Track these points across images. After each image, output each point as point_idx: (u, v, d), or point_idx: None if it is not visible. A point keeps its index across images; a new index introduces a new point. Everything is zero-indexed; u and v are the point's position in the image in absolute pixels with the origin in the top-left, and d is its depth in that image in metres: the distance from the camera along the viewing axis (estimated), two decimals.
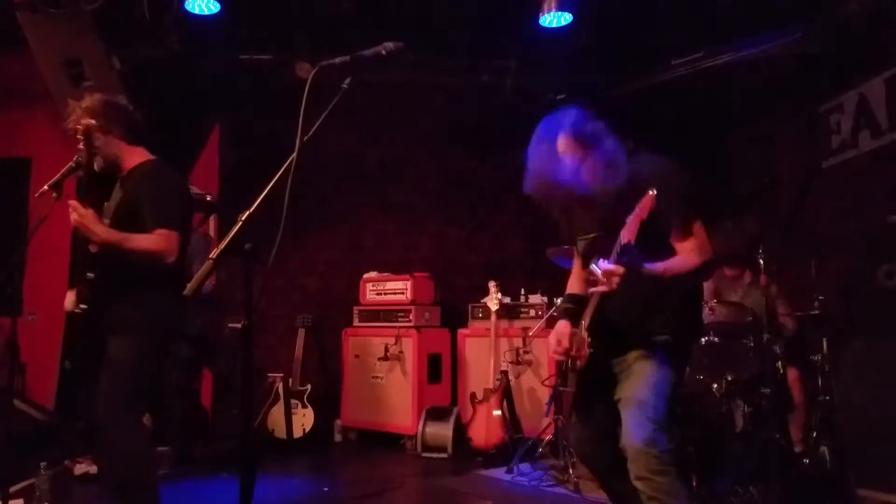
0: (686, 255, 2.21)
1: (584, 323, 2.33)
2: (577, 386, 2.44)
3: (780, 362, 3.77)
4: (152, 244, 2.75)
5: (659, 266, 2.16)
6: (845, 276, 3.94)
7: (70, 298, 2.95)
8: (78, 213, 2.66)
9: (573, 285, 2.63)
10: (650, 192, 2.02)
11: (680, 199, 2.20)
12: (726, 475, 3.28)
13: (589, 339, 2.29)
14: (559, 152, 2.29)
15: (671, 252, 2.22)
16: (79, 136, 2.77)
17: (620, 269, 2.07)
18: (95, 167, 2.96)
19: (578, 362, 2.37)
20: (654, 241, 2.18)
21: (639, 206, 2.04)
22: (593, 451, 2.45)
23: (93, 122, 2.85)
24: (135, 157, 2.97)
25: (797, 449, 3.76)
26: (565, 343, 2.40)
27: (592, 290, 2.20)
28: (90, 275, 2.84)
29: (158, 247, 2.75)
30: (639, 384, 2.21)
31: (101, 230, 2.72)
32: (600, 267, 2.09)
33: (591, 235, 2.42)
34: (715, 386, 3.54)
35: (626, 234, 2.05)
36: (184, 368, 4.19)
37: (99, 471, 4.07)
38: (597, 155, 2.23)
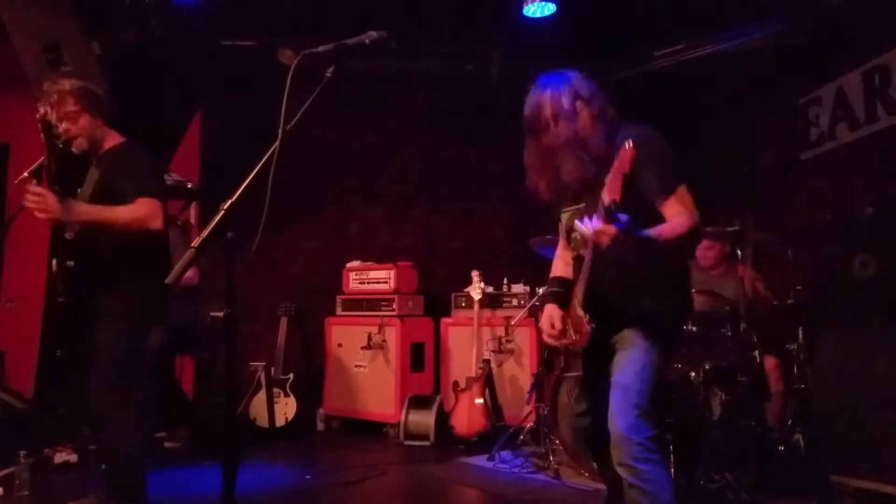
0: (675, 219, 2.08)
1: (578, 300, 2.26)
2: (584, 367, 2.40)
3: (757, 351, 3.83)
4: (134, 211, 2.73)
5: (652, 231, 2.01)
6: (821, 266, 4.00)
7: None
8: (44, 199, 2.60)
9: (558, 268, 2.56)
10: (627, 145, 1.85)
11: (661, 160, 2.14)
12: (703, 462, 3.33)
13: (587, 317, 2.22)
14: (545, 110, 2.27)
15: (660, 222, 2.11)
16: (51, 130, 2.70)
17: (612, 229, 1.86)
18: (75, 150, 2.94)
19: (580, 342, 2.29)
20: (643, 211, 2.06)
21: (617, 159, 1.87)
22: (592, 431, 2.40)
23: (58, 111, 2.82)
24: (110, 140, 2.99)
25: (773, 436, 3.82)
26: (558, 325, 2.35)
27: (582, 251, 2.03)
28: (69, 263, 2.82)
29: (140, 213, 2.73)
30: (626, 368, 2.18)
31: (76, 209, 2.70)
32: (589, 224, 1.91)
33: (574, 207, 2.36)
34: (693, 374, 3.58)
35: (610, 193, 1.86)
36: (156, 356, 4.18)
37: (79, 459, 4.05)
38: (580, 116, 2.23)
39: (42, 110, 2.69)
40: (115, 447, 2.80)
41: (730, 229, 3.87)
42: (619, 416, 2.12)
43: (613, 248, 1.90)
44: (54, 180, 2.66)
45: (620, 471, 2.11)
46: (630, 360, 2.19)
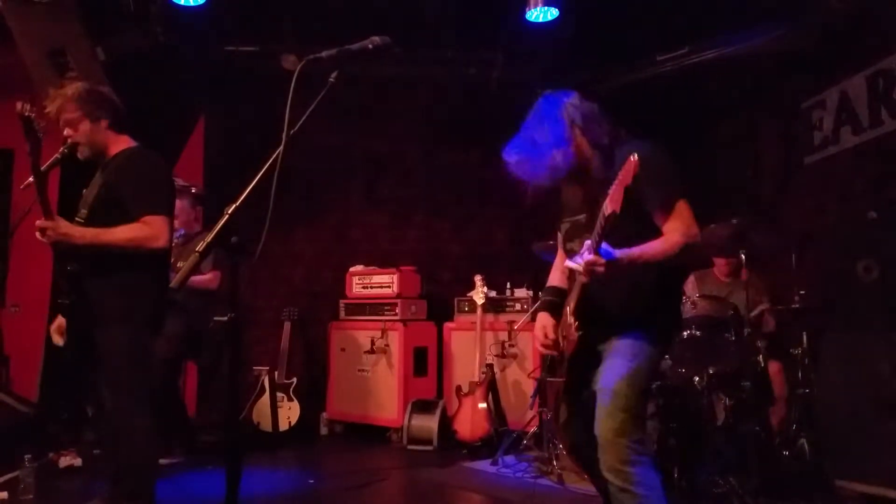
0: (668, 235, 2.12)
1: (570, 308, 2.30)
2: (566, 373, 2.42)
3: (761, 356, 3.82)
4: (136, 232, 2.70)
5: (635, 250, 2.04)
6: (825, 270, 3.99)
7: (57, 332, 2.91)
8: (48, 228, 2.60)
9: (554, 278, 2.61)
10: (633, 157, 1.85)
11: (662, 175, 2.15)
12: (707, 467, 3.32)
13: (577, 323, 2.25)
14: (544, 135, 2.28)
15: (659, 234, 2.14)
16: (32, 124, 2.58)
17: (602, 260, 1.94)
18: (80, 157, 2.93)
19: (567, 350, 2.34)
20: (641, 223, 2.12)
21: (621, 171, 1.87)
22: (581, 440, 2.39)
23: (60, 118, 2.80)
24: (119, 144, 2.94)
25: (777, 441, 3.82)
26: (552, 334, 2.40)
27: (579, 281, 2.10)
28: (72, 267, 2.81)
29: (143, 233, 2.70)
30: (613, 374, 2.18)
31: (78, 233, 2.69)
32: (579, 260, 1.98)
33: (574, 218, 2.40)
34: (696, 379, 3.58)
35: (611, 204, 1.88)
36: (165, 366, 4.16)
37: (84, 463, 4.05)
38: (578, 143, 2.26)
39: (19, 105, 2.55)
40: (130, 451, 2.75)
41: (734, 235, 3.87)
42: (605, 421, 2.12)
43: (605, 276, 1.96)
44: (41, 183, 2.64)
45: (609, 476, 2.11)
46: (617, 366, 2.20)
